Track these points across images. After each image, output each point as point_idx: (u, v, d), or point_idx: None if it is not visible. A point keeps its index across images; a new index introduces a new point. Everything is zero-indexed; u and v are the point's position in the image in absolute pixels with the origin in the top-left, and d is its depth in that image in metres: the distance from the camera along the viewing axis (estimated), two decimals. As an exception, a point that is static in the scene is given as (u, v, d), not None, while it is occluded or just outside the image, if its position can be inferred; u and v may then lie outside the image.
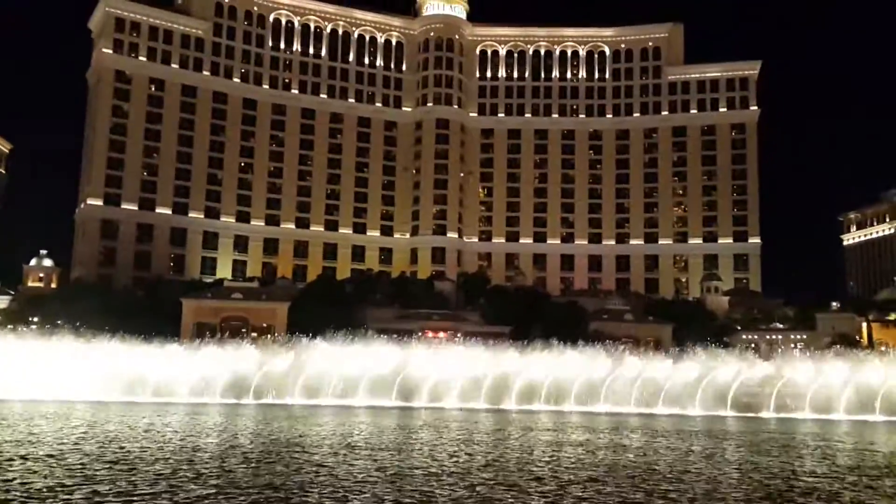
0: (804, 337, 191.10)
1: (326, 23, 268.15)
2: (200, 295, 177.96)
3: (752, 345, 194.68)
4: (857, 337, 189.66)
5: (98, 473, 39.28)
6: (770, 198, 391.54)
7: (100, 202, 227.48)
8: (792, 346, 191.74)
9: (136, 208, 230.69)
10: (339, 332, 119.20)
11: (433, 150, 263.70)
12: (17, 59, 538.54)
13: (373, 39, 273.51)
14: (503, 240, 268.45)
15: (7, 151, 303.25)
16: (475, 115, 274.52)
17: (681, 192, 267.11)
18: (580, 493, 37.38)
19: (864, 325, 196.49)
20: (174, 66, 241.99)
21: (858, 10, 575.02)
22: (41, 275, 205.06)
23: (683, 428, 77.66)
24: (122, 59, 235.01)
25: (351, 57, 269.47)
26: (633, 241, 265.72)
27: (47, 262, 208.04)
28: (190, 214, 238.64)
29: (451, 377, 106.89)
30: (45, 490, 34.85)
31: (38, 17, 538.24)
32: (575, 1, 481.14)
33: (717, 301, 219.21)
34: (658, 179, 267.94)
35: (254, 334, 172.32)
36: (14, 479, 37.25)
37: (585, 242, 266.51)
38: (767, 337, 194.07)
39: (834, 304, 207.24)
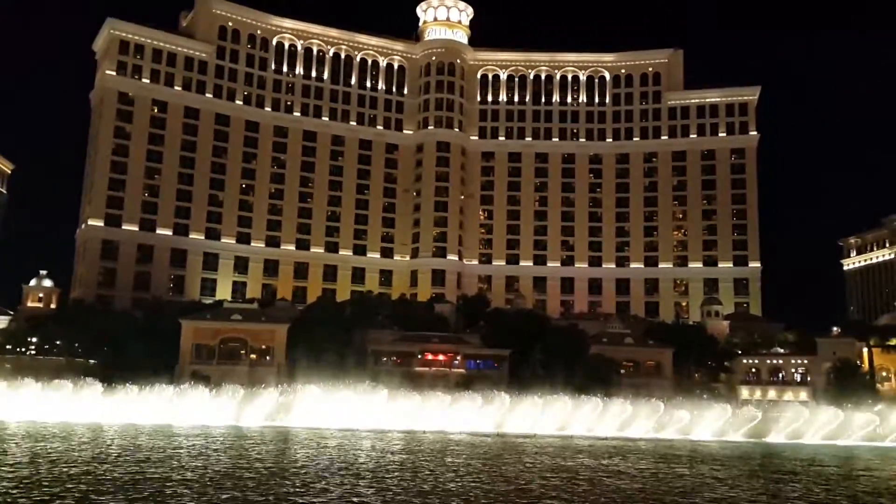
0: (805, 362, 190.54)
1: (329, 47, 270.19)
2: (199, 316, 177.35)
3: (753, 369, 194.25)
4: (857, 362, 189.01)
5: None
6: (770, 222, 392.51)
7: (101, 223, 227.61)
8: (793, 370, 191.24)
9: (136, 229, 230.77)
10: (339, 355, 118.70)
11: (434, 173, 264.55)
12: (21, 79, 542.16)
13: (375, 63, 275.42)
14: (503, 262, 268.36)
15: (9, 171, 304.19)
16: (476, 138, 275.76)
17: (681, 216, 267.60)
18: None
19: (865, 350, 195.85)
20: (177, 88, 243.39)
21: (858, 32, 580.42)
22: (41, 295, 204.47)
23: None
24: (126, 81, 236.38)
25: (353, 80, 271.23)
26: (633, 265, 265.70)
27: (47, 283, 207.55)
28: (190, 235, 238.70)
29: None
30: None
31: (43, 38, 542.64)
32: (575, 26, 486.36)
33: (718, 325, 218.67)
34: (658, 203, 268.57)
35: (252, 356, 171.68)
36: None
37: (585, 266, 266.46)
38: (768, 361, 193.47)
39: (835, 328, 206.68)
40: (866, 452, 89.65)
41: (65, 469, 49.30)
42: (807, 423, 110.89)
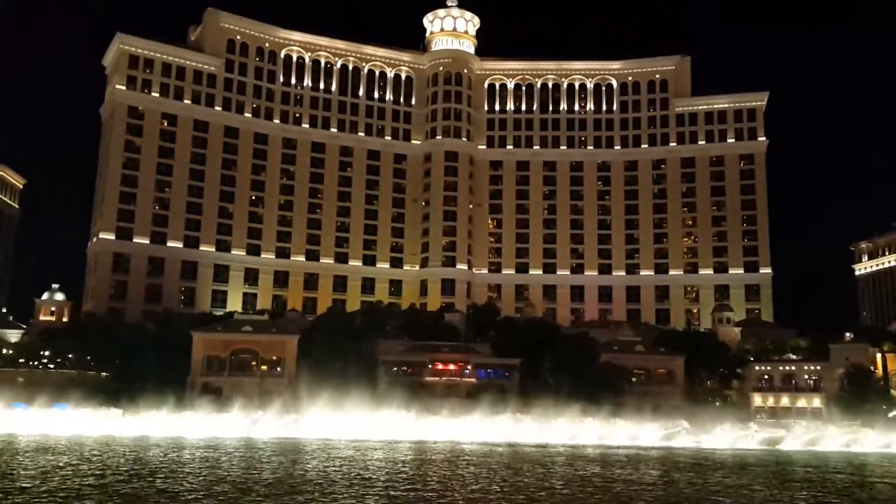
0: (818, 368, 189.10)
1: (337, 58, 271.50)
2: (210, 328, 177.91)
3: (766, 376, 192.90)
4: (871, 368, 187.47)
5: None
6: (781, 228, 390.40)
7: (112, 236, 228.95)
8: (805, 377, 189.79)
9: (147, 242, 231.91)
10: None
11: (442, 183, 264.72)
12: (32, 94, 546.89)
13: (382, 74, 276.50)
14: (513, 271, 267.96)
15: (21, 186, 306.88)
16: (484, 147, 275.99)
17: (690, 222, 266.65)
18: None
19: (879, 355, 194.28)
20: (186, 101, 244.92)
21: (865, 33, 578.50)
22: (53, 308, 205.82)
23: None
24: (136, 95, 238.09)
25: (361, 91, 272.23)
26: (643, 272, 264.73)
27: (59, 296, 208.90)
28: (201, 248, 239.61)
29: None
30: None
31: (53, 53, 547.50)
32: (582, 34, 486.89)
33: (729, 332, 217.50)
34: (667, 210, 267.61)
35: (263, 367, 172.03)
36: None
37: (595, 273, 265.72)
38: (780, 368, 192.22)
39: (847, 334, 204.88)
40: (880, 459, 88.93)
41: (72, 482, 49.59)
42: (823, 434, 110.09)
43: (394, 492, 48.76)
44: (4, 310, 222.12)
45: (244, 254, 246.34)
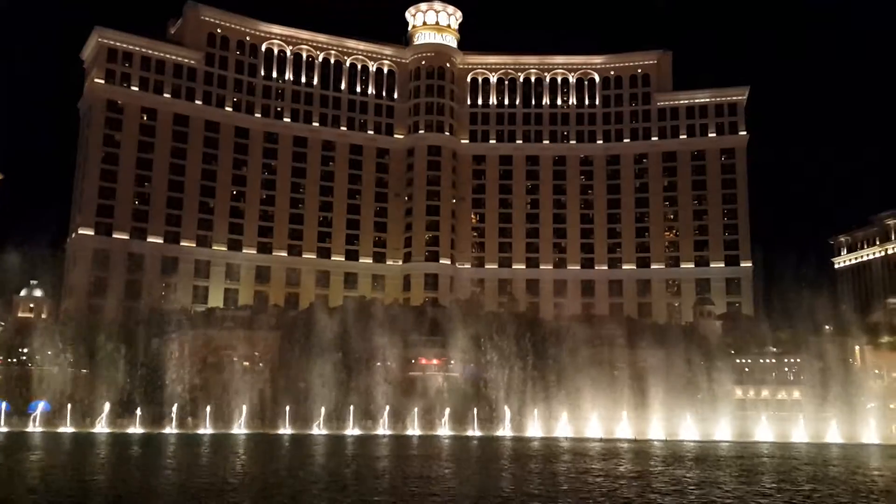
0: (797, 361, 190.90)
1: (318, 52, 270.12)
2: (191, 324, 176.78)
3: (746, 369, 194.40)
4: (850, 360, 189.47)
5: None
6: (761, 222, 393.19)
7: (91, 232, 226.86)
8: (785, 369, 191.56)
9: (127, 237, 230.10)
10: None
11: (425, 177, 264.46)
12: (8, 88, 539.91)
13: (364, 68, 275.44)
14: (496, 266, 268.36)
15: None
16: (466, 141, 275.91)
17: (672, 216, 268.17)
18: None
19: (857, 348, 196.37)
20: (166, 95, 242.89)
21: (845, 29, 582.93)
22: (31, 305, 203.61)
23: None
24: (115, 89, 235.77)
25: (343, 85, 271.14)
26: (625, 266, 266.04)
27: (37, 293, 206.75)
28: (181, 243, 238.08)
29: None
30: None
31: (30, 46, 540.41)
32: (564, 29, 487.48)
33: (710, 325, 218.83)
34: (649, 204, 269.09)
35: (245, 363, 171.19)
36: None
37: (578, 268, 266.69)
38: (761, 361, 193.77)
39: (826, 327, 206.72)
40: (852, 451, 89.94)
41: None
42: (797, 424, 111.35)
43: (359, 485, 48.66)
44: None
45: (225, 249, 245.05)
